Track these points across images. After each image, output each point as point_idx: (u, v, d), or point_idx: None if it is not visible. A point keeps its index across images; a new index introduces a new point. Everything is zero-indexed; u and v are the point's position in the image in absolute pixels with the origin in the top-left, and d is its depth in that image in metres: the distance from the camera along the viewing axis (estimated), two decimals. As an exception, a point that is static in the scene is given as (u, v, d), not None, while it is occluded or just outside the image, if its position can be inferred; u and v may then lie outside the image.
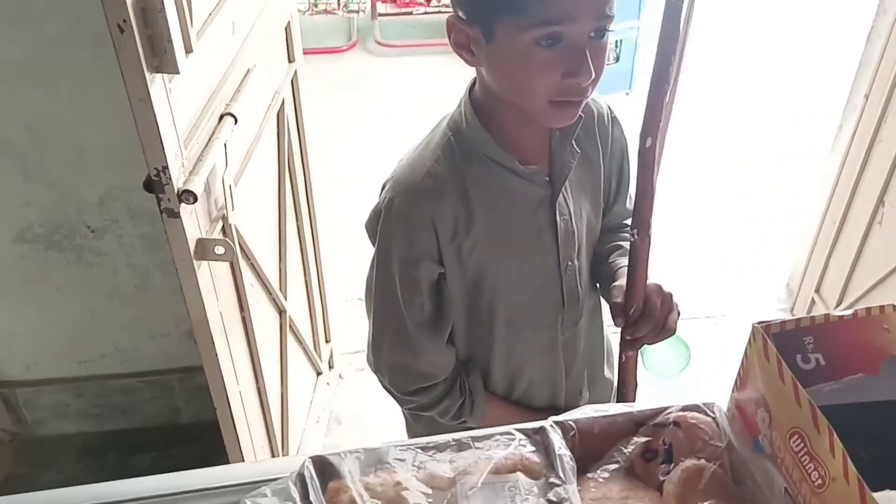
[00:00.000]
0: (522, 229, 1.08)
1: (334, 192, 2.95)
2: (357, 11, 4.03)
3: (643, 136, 0.98)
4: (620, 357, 1.16)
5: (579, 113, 0.98)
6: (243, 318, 1.54)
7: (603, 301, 1.22)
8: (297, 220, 1.87)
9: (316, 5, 3.92)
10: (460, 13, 0.94)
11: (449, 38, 0.96)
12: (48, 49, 1.61)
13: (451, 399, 1.15)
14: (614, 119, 1.15)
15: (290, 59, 1.76)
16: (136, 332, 2.07)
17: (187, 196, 1.18)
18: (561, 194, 1.07)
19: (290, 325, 1.85)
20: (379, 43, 4.16)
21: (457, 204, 1.02)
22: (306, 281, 2.02)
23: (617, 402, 1.20)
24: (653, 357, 2.27)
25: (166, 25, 1.05)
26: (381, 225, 1.04)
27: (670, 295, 1.08)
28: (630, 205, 1.21)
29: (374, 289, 1.10)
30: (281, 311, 1.80)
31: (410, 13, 4.06)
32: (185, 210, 1.21)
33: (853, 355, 0.60)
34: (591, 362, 1.28)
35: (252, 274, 1.58)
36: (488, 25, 0.91)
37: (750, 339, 0.63)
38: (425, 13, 4.06)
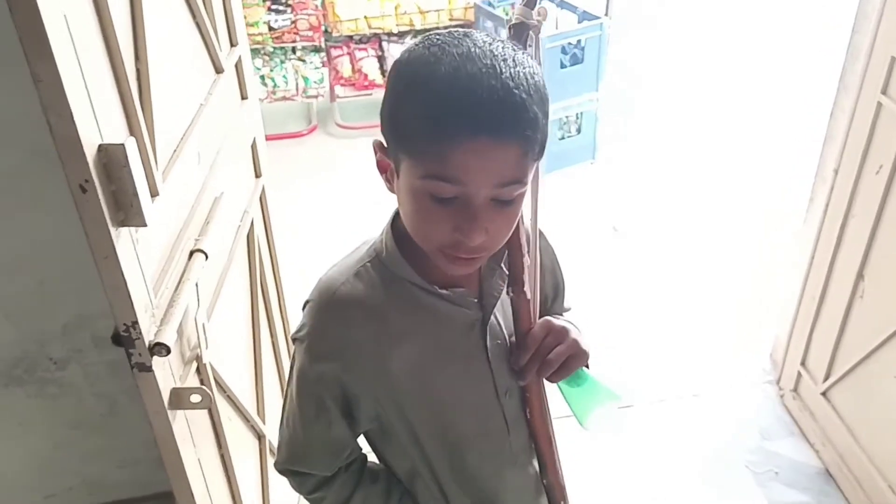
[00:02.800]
0: (453, 354, 1.03)
1: (303, 280, 2.88)
2: (316, 96, 4.01)
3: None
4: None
5: (477, 265, 0.95)
6: (221, 456, 1.46)
7: None
8: (271, 339, 1.80)
9: (275, 93, 3.89)
10: (382, 140, 0.92)
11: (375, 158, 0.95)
12: (2, 178, 1.54)
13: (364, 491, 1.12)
14: (540, 233, 1.11)
15: (257, 175, 1.71)
16: (104, 461, 1.96)
17: (160, 349, 1.10)
18: (493, 317, 1.03)
19: (269, 450, 1.76)
20: (339, 125, 4.14)
21: (372, 328, 0.99)
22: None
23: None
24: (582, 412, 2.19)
25: (131, 180, 0.99)
26: (296, 347, 1.03)
27: (562, 330, 1.04)
28: (567, 304, 1.23)
29: (287, 398, 1.08)
30: (260, 437, 1.71)
31: (370, 94, 4.04)
32: (158, 363, 1.13)
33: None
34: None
35: (230, 406, 1.50)
36: (397, 161, 0.88)
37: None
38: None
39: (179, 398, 1.19)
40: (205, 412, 1.35)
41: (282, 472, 1.13)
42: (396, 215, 1.00)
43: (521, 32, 0.95)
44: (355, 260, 1.03)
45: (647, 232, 3.43)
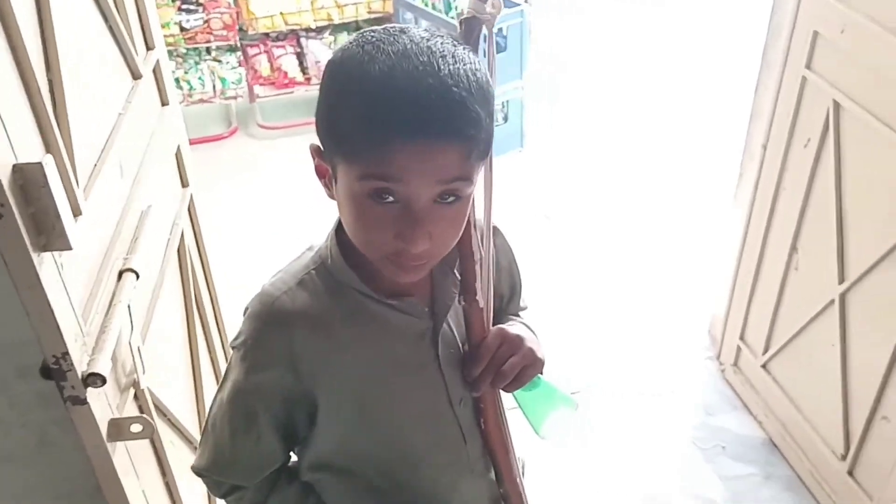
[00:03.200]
0: (403, 365, 1.00)
1: (241, 298, 2.79)
2: (235, 97, 3.88)
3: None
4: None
5: (424, 271, 0.90)
6: (166, 484, 1.38)
7: None
8: (209, 354, 1.72)
9: (191, 95, 3.75)
10: (319, 143, 0.88)
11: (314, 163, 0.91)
12: None
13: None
14: (495, 229, 1.08)
15: (184, 184, 1.62)
16: (37, 496, 1.83)
17: (94, 380, 1.03)
18: (444, 325, 1.00)
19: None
20: (261, 126, 4.03)
21: (316, 340, 0.94)
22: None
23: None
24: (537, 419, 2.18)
25: (52, 201, 0.91)
26: (234, 354, 0.99)
27: (517, 339, 1.01)
28: (523, 304, 1.20)
29: (215, 403, 1.03)
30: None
31: (291, 92, 3.94)
32: (93, 394, 1.05)
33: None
34: None
35: (172, 431, 1.42)
36: (334, 165, 0.85)
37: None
38: (306, 91, 3.96)
39: (119, 429, 1.12)
40: (147, 443, 1.27)
41: (199, 475, 1.08)
42: (341, 222, 0.95)
43: (473, 27, 0.90)
44: (300, 267, 0.98)
45: (578, 218, 3.44)
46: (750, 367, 2.45)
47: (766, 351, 2.33)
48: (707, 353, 2.69)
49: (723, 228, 2.59)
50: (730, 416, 2.47)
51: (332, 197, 0.90)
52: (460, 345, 1.02)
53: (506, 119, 3.72)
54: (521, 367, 1.00)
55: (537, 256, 3.17)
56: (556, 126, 4.04)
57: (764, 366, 2.36)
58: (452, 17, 3.59)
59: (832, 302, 2.00)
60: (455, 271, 0.99)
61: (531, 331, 1.10)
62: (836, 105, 1.87)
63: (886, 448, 1.91)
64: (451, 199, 0.83)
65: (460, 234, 0.90)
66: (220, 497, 1.09)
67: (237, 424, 1.00)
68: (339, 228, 0.96)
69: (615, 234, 3.32)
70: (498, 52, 3.51)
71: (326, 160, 0.87)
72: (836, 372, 2.03)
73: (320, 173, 0.91)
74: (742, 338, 2.45)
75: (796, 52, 1.99)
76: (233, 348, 0.99)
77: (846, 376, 2.01)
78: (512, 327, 1.04)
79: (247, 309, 0.98)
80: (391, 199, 0.81)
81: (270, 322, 0.94)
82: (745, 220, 2.31)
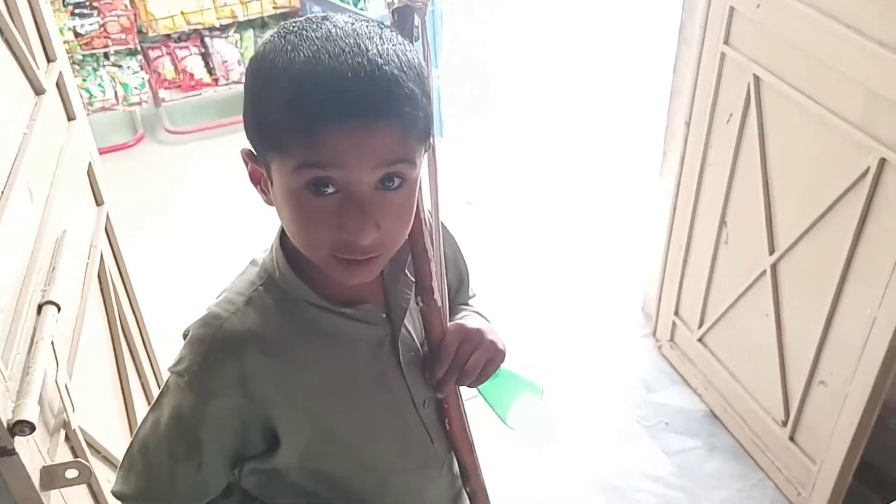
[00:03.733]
0: (364, 375, 0.96)
1: (164, 307, 2.67)
2: (139, 103, 3.70)
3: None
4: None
5: (377, 269, 0.85)
6: (106, 523, 1.29)
7: None
8: (140, 380, 1.62)
9: (91, 104, 3.56)
10: (250, 147, 0.84)
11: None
12: None
13: None
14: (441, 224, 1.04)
15: (99, 203, 1.52)
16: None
17: (22, 428, 0.94)
18: (403, 328, 0.96)
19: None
20: (169, 131, 3.87)
21: (270, 363, 0.89)
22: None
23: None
24: (502, 409, 2.20)
25: (-42, 238, 0.82)
26: (173, 379, 0.91)
27: (477, 333, 0.99)
28: (472, 291, 1.19)
29: (147, 424, 0.94)
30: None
31: (199, 94, 3.79)
32: (21, 443, 0.96)
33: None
34: None
35: (107, 468, 1.33)
36: (267, 165, 0.81)
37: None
38: (215, 92, 3.82)
39: (52, 477, 1.03)
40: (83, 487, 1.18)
41: (123, 500, 0.97)
42: (283, 230, 0.89)
43: (406, 17, 0.85)
44: (245, 284, 0.92)
45: (503, 203, 3.43)
46: (686, 342, 2.48)
47: (701, 325, 2.36)
48: (643, 330, 2.72)
49: (651, 207, 2.61)
50: (670, 392, 2.50)
51: (269, 203, 0.85)
52: (419, 346, 0.99)
53: (423, 109, 3.66)
54: (485, 361, 0.98)
55: (462, 243, 3.14)
56: (475, 114, 4.02)
57: (700, 339, 2.39)
58: (362, 9, 3.51)
59: (764, 273, 2.03)
60: (407, 272, 0.95)
61: (486, 319, 1.08)
62: (757, 79, 1.90)
63: (825, 412, 1.96)
64: (395, 184, 0.79)
65: (410, 225, 0.86)
66: None
67: (178, 452, 0.93)
68: (282, 239, 0.91)
69: (542, 218, 3.32)
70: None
71: (259, 162, 0.83)
72: (771, 341, 2.07)
73: (254, 179, 0.86)
74: (677, 313, 2.48)
75: (713, 28, 2.00)
76: (172, 373, 0.91)
77: (782, 345, 2.05)
78: (468, 320, 1.01)
79: (187, 332, 0.91)
80: (331, 189, 0.77)
81: (218, 347, 0.88)
82: (673, 197, 2.33)
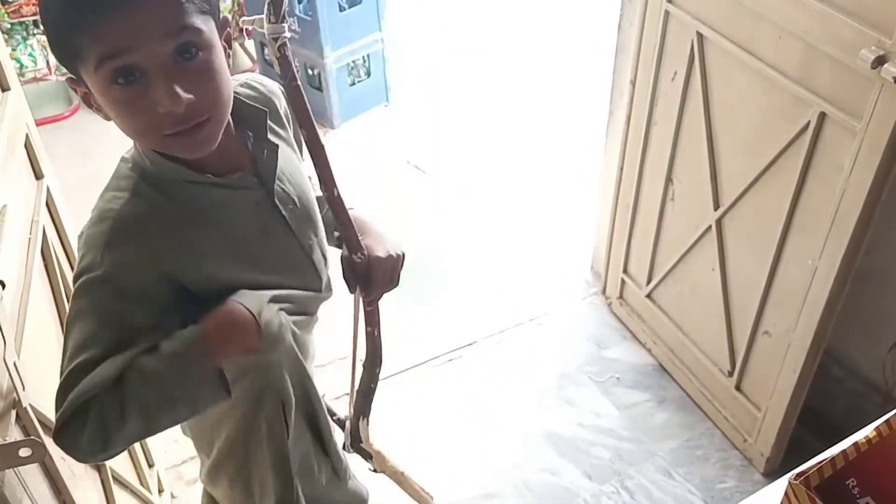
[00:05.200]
0: (252, 234, 1.06)
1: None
2: (73, 72, 3.58)
3: (328, 188, 1.09)
4: (368, 330, 1.27)
5: (213, 136, 0.92)
6: (63, 502, 1.27)
7: None
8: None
9: (23, 75, 3.43)
10: (67, 72, 0.90)
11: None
12: None
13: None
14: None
15: (38, 176, 1.47)
16: None
17: (-30, 409, 0.92)
18: (277, 187, 1.07)
19: (111, 476, 1.58)
20: (106, 101, 3.75)
21: (169, 238, 0.97)
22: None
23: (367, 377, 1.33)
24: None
25: None
26: (85, 282, 0.93)
27: (392, 243, 1.19)
28: None
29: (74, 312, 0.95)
30: (99, 467, 1.52)
31: (134, 63, 3.68)
32: (-30, 424, 0.94)
33: (898, 484, 0.54)
34: None
35: (60, 446, 1.30)
36: (80, 78, 0.88)
37: (788, 498, 0.54)
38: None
39: (5, 456, 1.01)
40: (36, 466, 1.16)
41: (65, 416, 0.91)
42: None
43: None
44: (122, 179, 0.99)
45: (452, 167, 3.42)
46: (635, 299, 2.52)
47: (649, 281, 2.41)
48: (592, 289, 2.76)
49: (597, 166, 2.63)
50: (620, 348, 2.55)
51: (108, 118, 0.91)
52: (296, 199, 1.10)
53: (368, 74, 3.63)
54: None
55: (413, 208, 3.14)
56: (421, 78, 3.98)
57: (648, 296, 2.44)
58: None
59: (709, 228, 2.08)
60: (271, 137, 1.05)
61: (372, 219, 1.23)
62: (700, 37, 1.92)
63: (769, 360, 2.02)
64: (192, 53, 0.86)
65: (226, 87, 0.91)
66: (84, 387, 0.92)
67: (112, 344, 0.92)
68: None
69: (491, 181, 3.33)
70: (353, 6, 3.41)
71: (79, 83, 0.89)
72: (717, 294, 2.12)
73: (87, 102, 0.91)
74: (625, 271, 2.52)
75: (656, -14, 2.01)
76: (78, 279, 0.93)
77: (727, 297, 2.11)
78: (372, 226, 1.20)
79: (82, 234, 0.97)
80: (136, 75, 0.84)
81: (119, 233, 0.93)
82: (620, 155, 2.35)
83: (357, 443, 1.41)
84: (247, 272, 1.04)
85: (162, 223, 0.96)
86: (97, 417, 0.90)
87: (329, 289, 1.21)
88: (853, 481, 0.53)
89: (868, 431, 0.57)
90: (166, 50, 0.84)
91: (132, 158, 0.99)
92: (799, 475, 0.54)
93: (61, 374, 0.94)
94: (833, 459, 0.54)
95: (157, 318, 0.96)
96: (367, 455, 1.43)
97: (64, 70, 3.46)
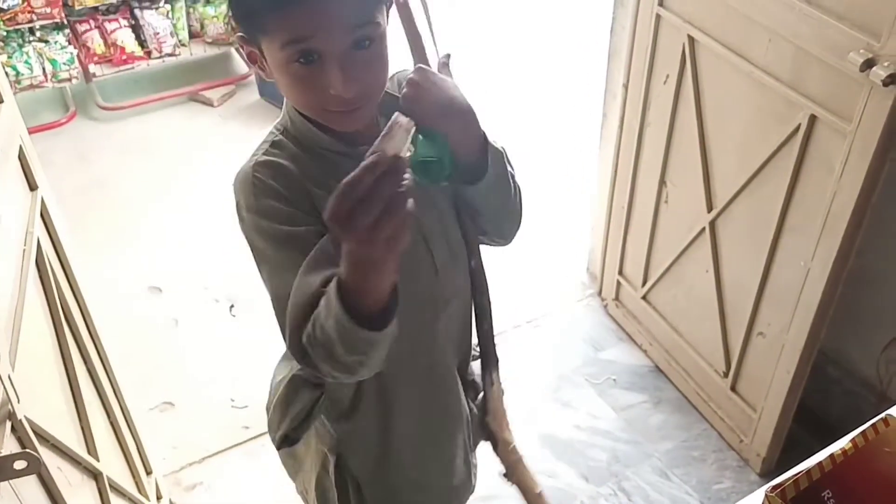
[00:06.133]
0: None
1: (110, 289, 2.63)
2: (69, 79, 3.58)
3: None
4: None
5: (367, 115, 1.00)
6: (59, 516, 1.28)
7: None
8: (86, 365, 1.60)
9: (19, 82, 3.44)
10: (240, 32, 0.98)
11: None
12: None
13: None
14: (445, 65, 1.15)
15: (32, 187, 1.48)
16: None
17: (-36, 423, 0.92)
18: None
19: (108, 485, 1.58)
20: (102, 107, 3.75)
21: (300, 181, 1.03)
22: (112, 422, 1.74)
23: None
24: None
25: None
26: (247, 224, 1.03)
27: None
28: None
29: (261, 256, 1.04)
30: (96, 476, 1.53)
31: (131, 68, 3.68)
32: (-35, 437, 0.95)
33: (874, 497, 0.55)
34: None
35: (57, 456, 1.31)
36: (259, 46, 0.96)
37: (766, 509, 0.55)
38: (148, 66, 3.72)
39: (1, 469, 1.02)
40: (33, 478, 1.17)
41: (295, 343, 0.95)
42: None
43: None
44: (267, 137, 1.08)
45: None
46: (631, 300, 2.53)
47: (644, 283, 2.42)
48: (588, 290, 2.76)
49: (593, 169, 2.64)
50: (617, 349, 2.56)
51: (268, 77, 0.99)
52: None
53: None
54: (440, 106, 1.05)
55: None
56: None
57: (644, 297, 2.44)
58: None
59: (703, 230, 2.09)
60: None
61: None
62: (691, 40, 1.92)
63: (764, 361, 2.03)
64: (367, 44, 0.94)
65: (386, 74, 1.00)
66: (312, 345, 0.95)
67: (287, 227, 1.01)
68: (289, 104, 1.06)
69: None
70: None
71: (252, 44, 0.97)
72: (712, 296, 2.13)
73: (251, 59, 1.00)
74: (621, 272, 2.53)
75: (648, -11, 2.02)
76: (241, 219, 1.05)
77: (722, 299, 2.12)
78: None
79: (236, 177, 1.06)
80: (315, 57, 0.92)
81: (260, 173, 1.02)
82: (614, 158, 2.36)
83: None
84: None
85: (296, 169, 1.04)
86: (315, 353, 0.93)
87: (454, 296, 1.20)
88: (829, 493, 0.53)
89: (844, 443, 0.58)
90: (346, 41, 0.92)
91: (280, 122, 1.08)
92: (775, 487, 0.54)
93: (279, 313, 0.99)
94: (809, 471, 0.55)
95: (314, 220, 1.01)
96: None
97: (62, 77, 3.51)
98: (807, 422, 2.10)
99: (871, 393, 2.07)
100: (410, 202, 0.76)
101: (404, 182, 0.75)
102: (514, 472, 1.32)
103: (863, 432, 0.60)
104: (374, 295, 0.86)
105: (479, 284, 1.25)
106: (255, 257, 1.05)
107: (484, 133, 1.09)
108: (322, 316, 0.89)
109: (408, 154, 0.86)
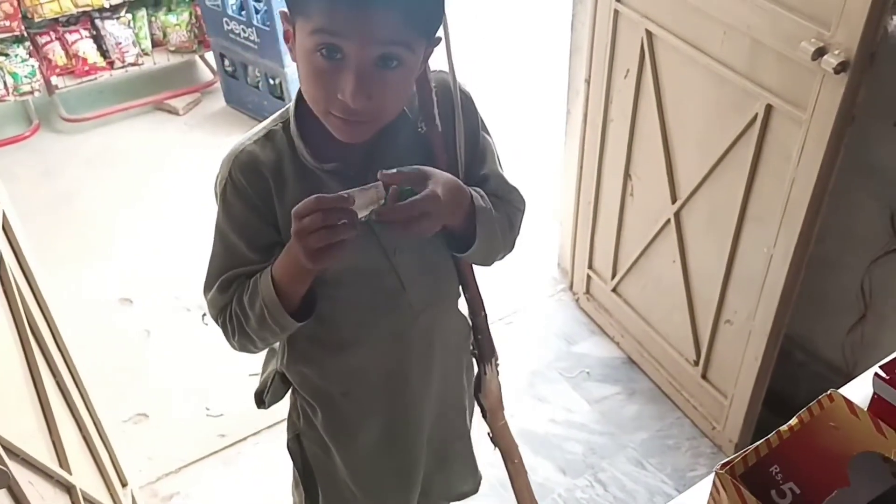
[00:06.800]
0: None
1: (77, 301, 2.61)
2: (31, 92, 3.55)
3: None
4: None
5: (365, 134, 1.00)
6: (32, 530, 1.27)
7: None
8: (55, 378, 1.59)
9: (-20, 96, 3.40)
10: (285, 7, 0.99)
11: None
12: None
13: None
14: (465, 95, 1.18)
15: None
16: None
17: (-71, 440, 0.92)
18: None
19: (82, 498, 1.57)
20: (66, 119, 3.72)
21: (271, 186, 1.07)
22: (84, 436, 1.73)
23: None
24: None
25: None
26: (218, 198, 1.11)
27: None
28: (504, 177, 1.27)
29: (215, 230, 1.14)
30: (69, 489, 1.52)
31: (94, 79, 3.65)
32: (-69, 455, 0.94)
33: (820, 471, 0.57)
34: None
35: (27, 470, 1.30)
36: (294, 25, 0.96)
37: (716, 488, 0.57)
38: (111, 76, 3.69)
39: (-31, 485, 1.01)
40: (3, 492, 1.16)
41: (207, 292, 1.17)
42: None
43: None
44: (270, 121, 1.11)
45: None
46: (601, 293, 2.56)
47: (614, 276, 2.44)
48: (560, 285, 2.79)
49: (558, 165, 2.66)
50: (589, 342, 2.59)
51: (294, 60, 0.99)
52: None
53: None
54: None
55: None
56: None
57: (614, 290, 2.47)
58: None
59: (668, 221, 2.11)
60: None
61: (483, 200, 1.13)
62: (649, 34, 1.95)
63: (732, 348, 2.06)
64: (392, 64, 0.93)
65: (401, 104, 1.01)
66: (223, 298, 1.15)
67: (231, 240, 1.11)
68: (299, 95, 1.05)
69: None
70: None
71: (290, 22, 0.97)
72: (679, 286, 2.16)
73: (287, 38, 1.00)
74: (591, 266, 2.56)
75: (605, -14, 2.04)
76: (214, 193, 1.11)
77: (689, 288, 2.15)
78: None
79: (222, 161, 1.10)
80: (339, 56, 0.91)
81: (238, 166, 1.07)
82: (579, 154, 2.38)
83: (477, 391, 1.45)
84: None
85: (273, 175, 1.06)
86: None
87: (426, 304, 1.21)
88: (776, 468, 0.55)
89: (791, 421, 0.60)
90: (374, 52, 0.91)
91: (284, 109, 1.10)
92: (724, 465, 0.56)
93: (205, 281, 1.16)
94: (757, 448, 0.57)
95: (257, 243, 1.11)
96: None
97: (23, 90, 3.47)
98: (776, 407, 2.13)
99: (838, 375, 2.11)
100: (351, 235, 0.92)
101: (345, 224, 0.91)
102: (499, 438, 1.48)
103: (808, 408, 0.62)
104: (289, 296, 1.05)
105: (465, 282, 1.29)
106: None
107: (471, 206, 1.08)
108: (248, 297, 1.08)
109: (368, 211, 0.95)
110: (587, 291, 2.63)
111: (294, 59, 0.99)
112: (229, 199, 1.08)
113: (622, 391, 2.43)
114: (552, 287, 2.80)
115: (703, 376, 2.21)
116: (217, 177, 1.11)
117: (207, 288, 1.17)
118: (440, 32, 1.00)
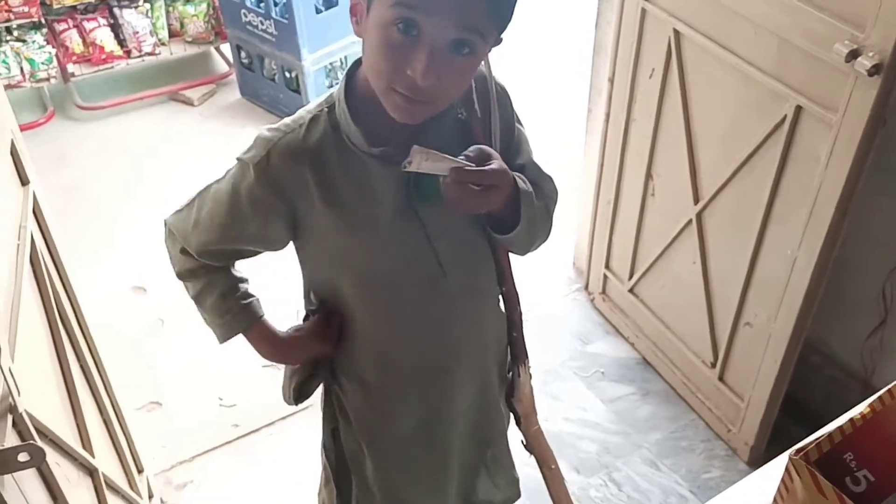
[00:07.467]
0: (386, 206, 1.08)
1: (92, 292, 2.60)
2: (47, 79, 3.55)
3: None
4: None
5: (422, 115, 0.99)
6: (57, 512, 1.27)
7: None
8: (79, 362, 1.59)
9: (-4, 82, 3.40)
10: None
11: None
12: None
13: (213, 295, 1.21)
14: (501, 89, 1.19)
15: (24, 182, 1.47)
16: None
17: (-30, 414, 0.92)
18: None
19: (104, 482, 1.57)
20: (81, 107, 3.72)
21: (313, 175, 1.05)
22: (105, 420, 1.73)
23: None
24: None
25: None
26: (238, 165, 1.09)
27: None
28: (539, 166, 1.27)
29: (210, 190, 1.15)
30: (92, 472, 1.52)
31: (111, 67, 3.65)
32: (-31, 429, 0.94)
33: (892, 459, 0.56)
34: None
35: (55, 451, 1.30)
36: None
37: (789, 474, 0.56)
38: (127, 65, 3.69)
39: (4, 462, 1.01)
40: (34, 471, 1.16)
41: (167, 227, 1.25)
42: (354, 66, 1.06)
43: None
44: (315, 105, 1.09)
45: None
46: (618, 294, 2.55)
47: (631, 276, 2.44)
48: (575, 285, 2.78)
49: (578, 163, 2.66)
50: (604, 342, 2.58)
51: (359, 34, 0.98)
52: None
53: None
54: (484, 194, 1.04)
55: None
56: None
57: (631, 290, 2.47)
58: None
59: (690, 222, 2.11)
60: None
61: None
62: (677, 34, 1.95)
63: (750, 351, 2.06)
64: (465, 50, 0.93)
65: (460, 90, 1.00)
66: (172, 251, 1.26)
67: (220, 218, 1.12)
68: (349, 79, 1.06)
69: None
70: (330, 8, 3.42)
71: None
72: (699, 287, 2.16)
73: (353, 11, 0.99)
74: (607, 266, 2.55)
75: (633, -16, 2.04)
76: (239, 160, 1.08)
77: (709, 290, 2.14)
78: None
79: (261, 132, 1.08)
80: (415, 32, 0.90)
81: (278, 151, 1.05)
82: (600, 153, 2.38)
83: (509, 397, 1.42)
84: (361, 241, 1.11)
85: (315, 163, 1.05)
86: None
87: (465, 291, 1.20)
88: (850, 455, 0.55)
89: (863, 408, 0.60)
90: (451, 35, 0.91)
91: (332, 92, 1.09)
92: (798, 451, 0.56)
93: (189, 200, 1.18)
94: (830, 435, 0.57)
95: (260, 235, 1.12)
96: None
97: (39, 77, 3.47)
98: (791, 411, 2.13)
99: (855, 381, 2.11)
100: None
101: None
102: (534, 444, 1.44)
103: (879, 397, 0.61)
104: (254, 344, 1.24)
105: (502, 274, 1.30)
106: (212, 179, 1.15)
107: (515, 190, 1.08)
108: (212, 301, 1.20)
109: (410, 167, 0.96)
110: (603, 291, 2.62)
111: (359, 34, 0.98)
112: (257, 176, 1.05)
113: (637, 391, 2.43)
114: (567, 287, 2.79)
115: (720, 378, 2.20)
116: (248, 151, 1.08)
117: (171, 236, 1.24)
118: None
